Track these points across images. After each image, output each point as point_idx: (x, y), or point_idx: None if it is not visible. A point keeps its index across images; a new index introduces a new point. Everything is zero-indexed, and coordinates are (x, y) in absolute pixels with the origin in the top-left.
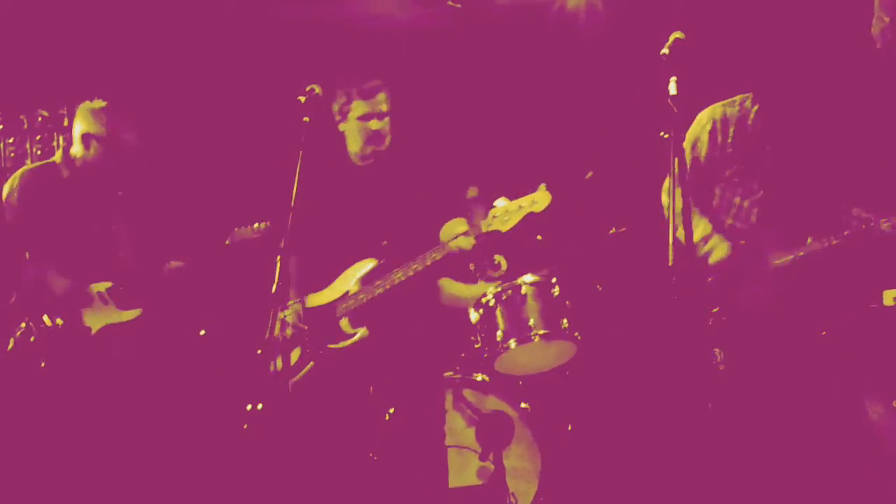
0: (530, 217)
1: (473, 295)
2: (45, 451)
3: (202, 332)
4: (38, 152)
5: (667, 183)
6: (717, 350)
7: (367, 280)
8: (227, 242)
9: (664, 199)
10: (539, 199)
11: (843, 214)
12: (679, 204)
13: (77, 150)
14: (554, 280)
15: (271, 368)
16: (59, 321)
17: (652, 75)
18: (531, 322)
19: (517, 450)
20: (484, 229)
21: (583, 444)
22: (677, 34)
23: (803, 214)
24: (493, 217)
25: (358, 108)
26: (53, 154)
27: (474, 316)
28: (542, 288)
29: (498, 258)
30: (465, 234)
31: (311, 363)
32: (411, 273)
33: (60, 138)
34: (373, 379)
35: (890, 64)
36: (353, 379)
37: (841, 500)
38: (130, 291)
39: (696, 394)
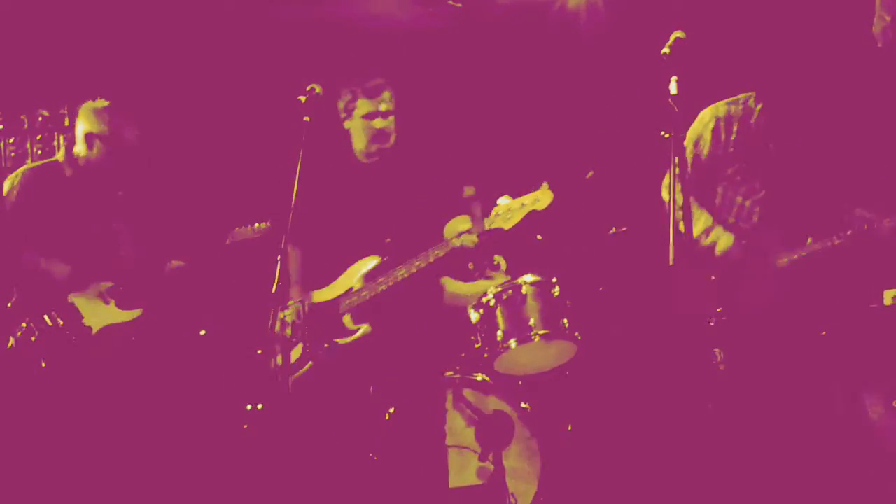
0: (531, 215)
1: (475, 293)
2: (45, 451)
3: (202, 332)
4: (39, 152)
5: (667, 179)
6: (717, 350)
7: (370, 277)
8: (227, 242)
9: (664, 195)
10: (541, 197)
11: (845, 214)
12: (679, 202)
13: (80, 149)
14: (554, 280)
15: (272, 366)
16: (59, 321)
17: (653, 75)
18: (531, 322)
19: (517, 450)
20: (487, 227)
21: (583, 444)
22: (678, 34)
23: (806, 214)
24: (496, 215)
25: (363, 106)
26: (54, 154)
27: (474, 316)
28: (542, 288)
29: (497, 258)
30: (468, 231)
31: (310, 363)
32: (414, 270)
33: (61, 138)
34: (374, 376)
35: (891, 63)
36: (354, 376)
37: (841, 499)
38: (131, 291)
39: (696, 394)
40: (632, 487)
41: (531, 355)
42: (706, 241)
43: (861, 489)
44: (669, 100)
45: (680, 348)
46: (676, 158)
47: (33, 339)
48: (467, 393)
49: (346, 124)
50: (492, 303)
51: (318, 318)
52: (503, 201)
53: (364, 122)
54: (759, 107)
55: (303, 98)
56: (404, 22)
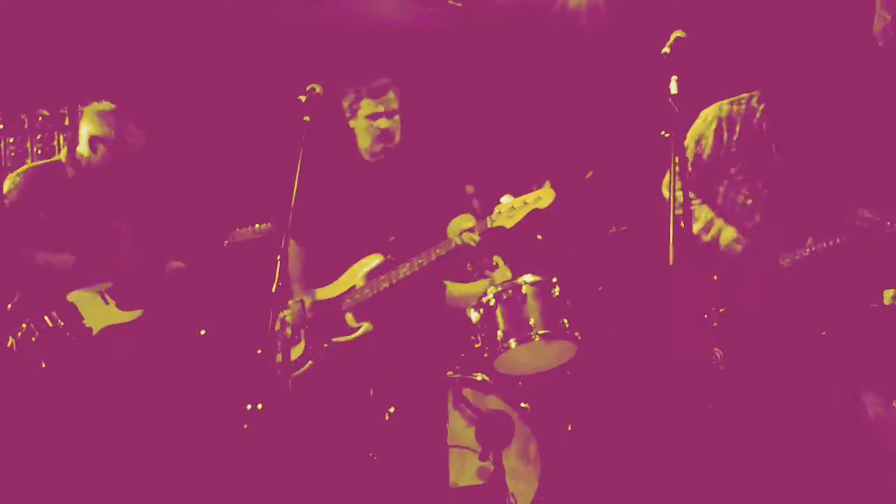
0: (532, 215)
1: (475, 293)
2: (45, 452)
3: (202, 332)
4: (39, 151)
5: (667, 178)
6: (717, 350)
7: (373, 275)
8: (226, 243)
9: (665, 193)
10: (544, 196)
11: (846, 214)
12: (679, 201)
13: (83, 150)
14: (554, 280)
15: (273, 365)
16: (59, 322)
17: (653, 74)
18: (532, 322)
19: (517, 450)
20: (489, 225)
21: (583, 444)
22: (678, 33)
23: (808, 214)
24: (499, 213)
25: (367, 106)
26: (54, 153)
27: (475, 316)
28: (542, 287)
29: (496, 259)
30: (470, 229)
31: (310, 362)
32: (416, 268)
33: (61, 137)
34: (375, 375)
35: (892, 62)
36: (355, 375)
37: (841, 499)
38: (131, 292)
39: (696, 394)
40: (632, 487)
41: (531, 355)
42: (707, 237)
43: (861, 489)
44: (670, 99)
45: (680, 348)
46: (676, 158)
47: (33, 339)
48: (467, 393)
49: (351, 124)
50: (492, 302)
51: (321, 315)
52: (506, 200)
53: (368, 122)
54: (762, 107)
55: (303, 98)
56: (404, 21)
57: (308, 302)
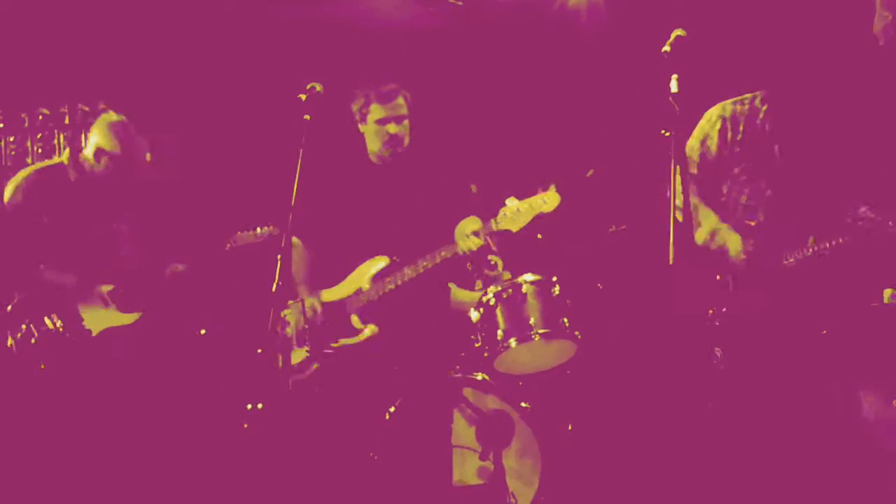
0: (538, 217)
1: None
2: (45, 453)
3: (202, 332)
4: (39, 150)
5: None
6: (717, 350)
7: (378, 277)
8: (228, 247)
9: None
10: (549, 200)
11: (849, 214)
12: (679, 201)
13: (88, 156)
14: (554, 279)
15: (275, 364)
16: (59, 323)
17: (653, 73)
18: (532, 321)
19: (517, 449)
20: (494, 228)
21: (583, 444)
22: (679, 31)
23: (810, 214)
24: (504, 216)
25: (376, 111)
26: (54, 152)
27: (475, 315)
28: (542, 287)
29: (494, 259)
30: (475, 233)
31: (317, 364)
32: (421, 270)
33: (61, 136)
34: (381, 376)
35: (893, 61)
36: (361, 375)
37: (841, 499)
38: (132, 294)
39: (696, 394)
40: (632, 487)
41: (531, 354)
42: (714, 245)
43: (860, 488)
44: (670, 98)
45: (680, 348)
46: (678, 165)
47: (33, 340)
48: (468, 392)
49: (361, 128)
50: (492, 302)
51: (326, 317)
52: (511, 202)
53: (377, 126)
54: (765, 107)
55: (303, 96)
56: (405, 20)
57: (316, 304)
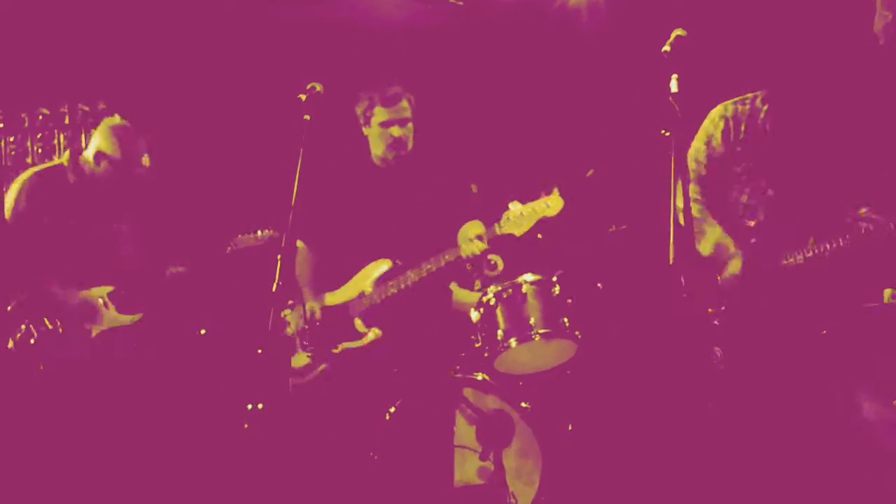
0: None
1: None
2: (44, 453)
3: (202, 332)
4: (39, 150)
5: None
6: (717, 349)
7: (381, 281)
8: (228, 250)
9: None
10: (553, 204)
11: (850, 214)
12: (681, 202)
13: (88, 157)
14: (554, 279)
15: (274, 364)
16: (59, 324)
17: (653, 73)
18: (532, 321)
19: (517, 449)
20: (498, 232)
21: (583, 444)
22: (679, 31)
23: (811, 213)
24: (507, 220)
25: (380, 114)
26: (54, 152)
27: (475, 315)
28: (542, 287)
29: (494, 258)
30: (479, 237)
31: (324, 365)
32: (424, 274)
33: (61, 136)
34: (382, 376)
35: (893, 61)
36: (362, 376)
37: (841, 499)
38: (131, 295)
39: (696, 394)
40: (632, 487)
41: (531, 354)
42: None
43: (860, 488)
44: (670, 98)
45: (680, 347)
46: (678, 168)
47: (32, 341)
48: (468, 392)
49: (365, 131)
50: (492, 302)
51: (328, 320)
52: (514, 206)
53: (381, 129)
54: (766, 107)
55: (303, 96)
56: (405, 20)
57: (315, 307)
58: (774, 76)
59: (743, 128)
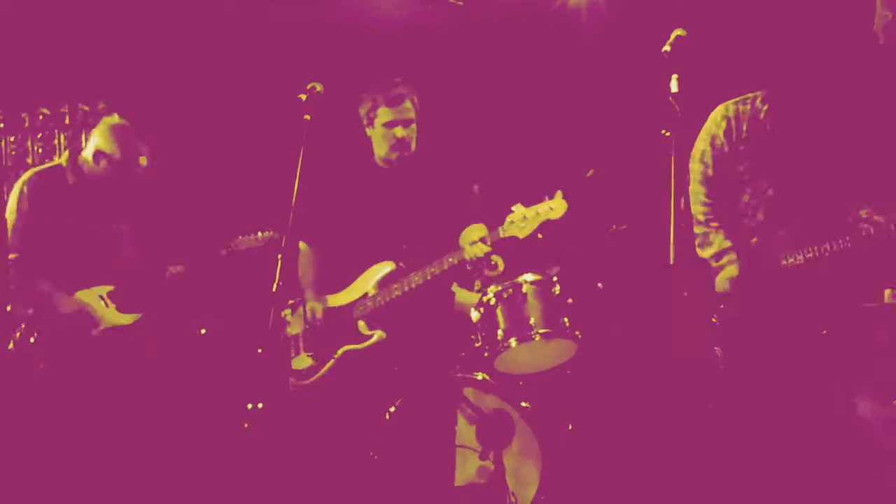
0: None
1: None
2: (44, 453)
3: (203, 332)
4: (40, 150)
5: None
6: (717, 349)
7: (385, 283)
8: (226, 251)
9: (693, 209)
10: (556, 207)
11: (850, 214)
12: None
13: (87, 157)
14: (555, 278)
15: (274, 363)
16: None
17: (653, 73)
18: (532, 321)
19: (517, 449)
20: (501, 235)
21: (583, 444)
22: (679, 31)
23: (812, 213)
24: (511, 223)
25: (384, 114)
26: (54, 152)
27: (475, 315)
28: (542, 286)
29: (495, 259)
30: (483, 239)
31: (332, 361)
32: (428, 277)
33: (62, 136)
34: (382, 376)
35: (893, 60)
36: (362, 376)
37: (840, 499)
38: (131, 295)
39: (696, 393)
40: (632, 487)
41: (532, 354)
42: (716, 264)
43: (860, 488)
44: (670, 98)
45: (680, 347)
46: (686, 172)
47: (32, 340)
48: (468, 392)
49: (368, 132)
50: (492, 301)
51: (330, 322)
52: (517, 209)
53: (385, 130)
54: (766, 107)
55: (303, 97)
56: (404, 19)
57: (317, 308)
58: (775, 76)
59: (745, 127)
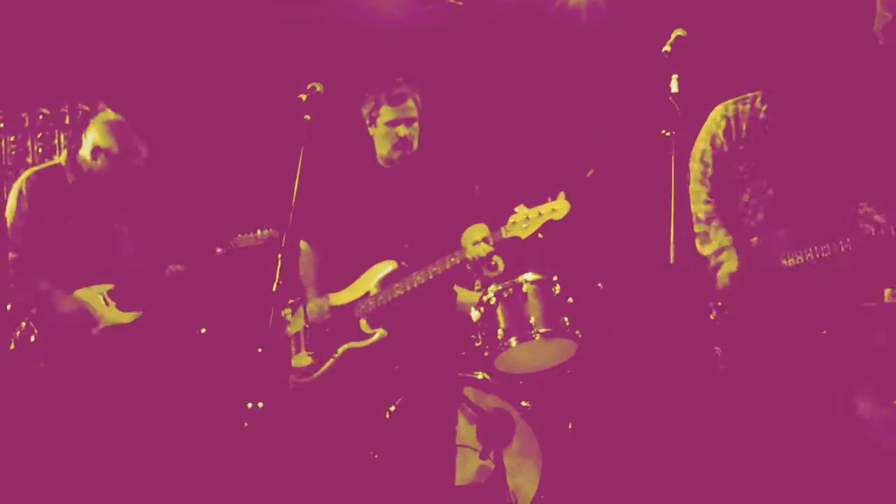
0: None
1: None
2: (44, 452)
3: (203, 331)
4: (40, 150)
5: (691, 188)
6: (717, 349)
7: (386, 282)
8: (223, 249)
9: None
10: (559, 208)
11: (849, 215)
12: (684, 203)
13: (85, 155)
14: (555, 278)
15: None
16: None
17: (654, 73)
18: (532, 320)
19: (517, 448)
20: (504, 235)
21: (583, 443)
22: (679, 31)
23: (812, 213)
24: (513, 223)
25: (386, 113)
26: (54, 152)
27: (475, 314)
28: (543, 286)
29: (495, 259)
30: (485, 239)
31: (332, 359)
32: (430, 276)
33: (62, 136)
34: (382, 376)
35: (893, 60)
36: (362, 375)
37: (840, 499)
38: (131, 294)
39: (696, 393)
40: (632, 486)
41: (532, 354)
42: (715, 261)
43: (859, 488)
44: (670, 98)
45: (680, 347)
46: (686, 171)
47: (32, 338)
48: (468, 391)
49: (370, 131)
50: (492, 301)
51: (333, 321)
52: (520, 209)
53: (388, 129)
54: (765, 107)
55: (303, 96)
56: (404, 19)
57: (324, 306)
58: (774, 76)
59: (744, 127)
